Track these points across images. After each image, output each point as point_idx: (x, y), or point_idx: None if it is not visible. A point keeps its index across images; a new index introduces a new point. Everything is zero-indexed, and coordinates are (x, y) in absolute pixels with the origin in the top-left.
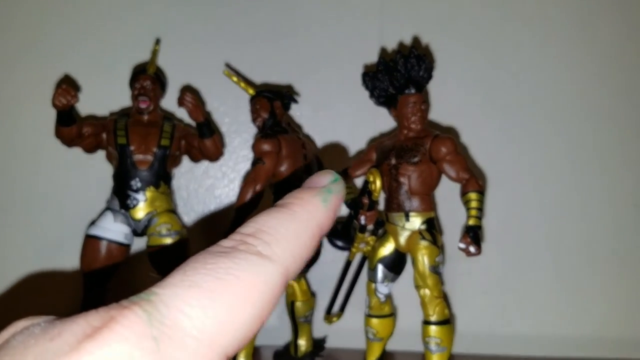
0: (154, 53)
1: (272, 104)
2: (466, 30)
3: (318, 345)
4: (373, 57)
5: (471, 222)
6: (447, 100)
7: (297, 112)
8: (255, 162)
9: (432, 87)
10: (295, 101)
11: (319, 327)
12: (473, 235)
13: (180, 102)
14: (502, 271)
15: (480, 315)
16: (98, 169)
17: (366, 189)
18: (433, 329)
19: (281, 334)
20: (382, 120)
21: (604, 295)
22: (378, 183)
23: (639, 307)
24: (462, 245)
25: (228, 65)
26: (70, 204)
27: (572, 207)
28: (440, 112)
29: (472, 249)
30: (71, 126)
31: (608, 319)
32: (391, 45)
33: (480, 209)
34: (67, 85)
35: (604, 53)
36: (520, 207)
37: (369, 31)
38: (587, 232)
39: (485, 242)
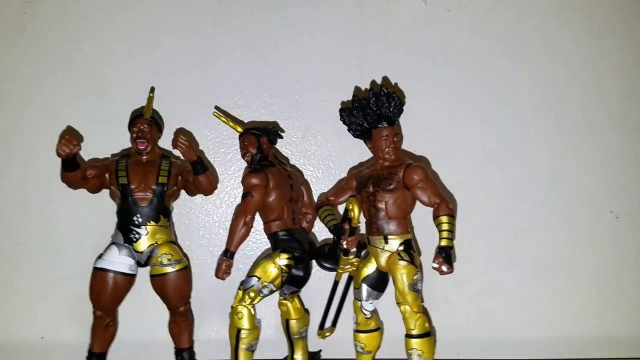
0: (150, 99)
1: (259, 140)
2: (436, 63)
3: (313, 357)
4: (356, 86)
5: (443, 243)
6: (418, 131)
7: (287, 138)
8: (245, 195)
9: (404, 118)
10: (281, 137)
11: (314, 341)
12: (445, 255)
13: (175, 143)
14: (484, 280)
15: (463, 323)
16: (103, 207)
17: (347, 217)
18: (415, 341)
19: (279, 349)
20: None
21: (578, 298)
22: (357, 211)
23: (612, 307)
24: (435, 265)
25: (217, 108)
26: (78, 238)
27: (550, 216)
28: (412, 141)
29: (444, 268)
30: (75, 171)
31: (582, 320)
32: (372, 76)
33: (451, 231)
34: (70, 136)
35: (568, 65)
36: (497, 220)
37: (351, 64)
38: (564, 241)
39: (465, 254)
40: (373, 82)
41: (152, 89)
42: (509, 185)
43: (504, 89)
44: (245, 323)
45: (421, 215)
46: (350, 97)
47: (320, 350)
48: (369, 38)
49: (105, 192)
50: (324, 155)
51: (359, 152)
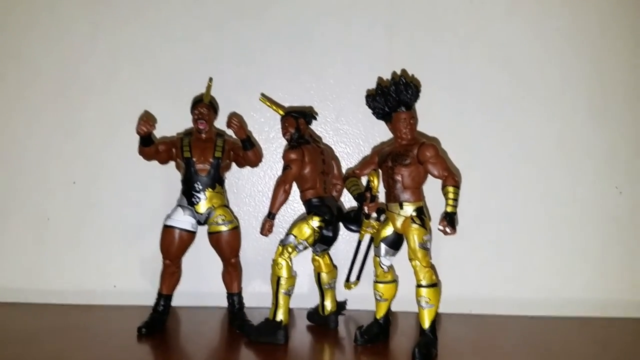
0: (208, 87)
1: (298, 121)
2: (446, 50)
3: (341, 306)
4: (379, 76)
5: (448, 209)
6: (431, 114)
7: (322, 119)
8: (285, 168)
9: (420, 103)
10: (315, 118)
11: (341, 291)
12: (449, 219)
13: (228, 124)
14: (495, 243)
15: (476, 282)
16: (168, 176)
17: (368, 187)
18: (423, 290)
19: (312, 300)
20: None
21: (583, 262)
22: (376, 182)
23: (615, 270)
24: (440, 227)
25: (262, 94)
26: (147, 202)
27: (556, 188)
28: (426, 123)
29: (448, 230)
30: (150, 146)
31: (586, 283)
32: (398, 64)
33: (455, 199)
34: (147, 118)
35: (574, 40)
36: (511, 189)
37: (380, 54)
38: (570, 208)
39: (477, 219)
40: (394, 73)
41: (211, 79)
42: (516, 157)
43: (507, 54)
44: (284, 272)
45: (433, 187)
46: (376, 81)
47: (346, 300)
48: (396, 29)
49: (172, 164)
50: (354, 134)
51: (383, 131)
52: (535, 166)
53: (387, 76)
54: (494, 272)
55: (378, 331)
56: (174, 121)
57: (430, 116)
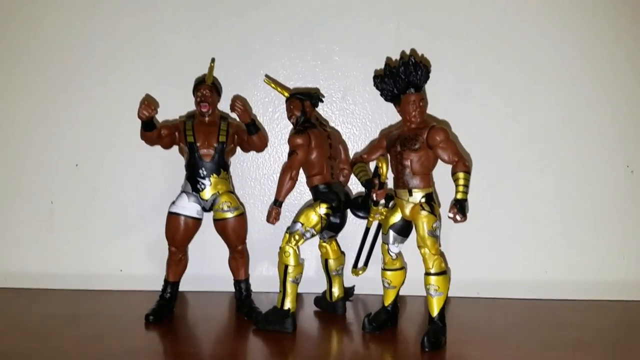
0: (211, 68)
1: (303, 103)
2: (459, 33)
3: (348, 292)
4: (387, 56)
5: (459, 196)
6: (442, 95)
7: (328, 99)
8: (291, 154)
9: (430, 85)
10: (322, 101)
11: (349, 278)
12: (459, 207)
13: (232, 107)
14: (503, 226)
15: (482, 266)
16: (171, 161)
17: (377, 173)
18: (432, 278)
19: (319, 285)
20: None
21: (592, 244)
22: (385, 169)
23: (623, 253)
24: (450, 215)
25: (267, 76)
26: (151, 187)
27: (566, 168)
28: (436, 105)
29: (458, 217)
30: (152, 131)
31: (594, 265)
32: (407, 41)
33: (466, 186)
34: (149, 102)
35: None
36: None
37: (387, 30)
38: (580, 192)
39: (484, 201)
40: (403, 52)
41: (213, 59)
42: (525, 138)
43: (515, 35)
44: (291, 260)
45: (442, 173)
46: (384, 60)
47: (354, 286)
48: (405, 5)
49: (175, 149)
50: (361, 114)
51: (391, 111)
52: (545, 147)
53: (394, 53)
54: (502, 254)
55: (386, 318)
56: (177, 104)
57: (437, 97)
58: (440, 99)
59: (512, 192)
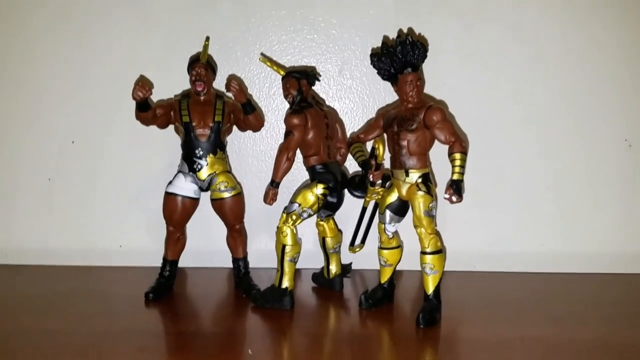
0: (205, 46)
1: (300, 82)
2: (453, 13)
3: (345, 269)
4: (384, 35)
5: (455, 176)
6: (439, 75)
7: (325, 74)
8: (287, 134)
9: (427, 64)
10: (318, 79)
11: (346, 255)
12: (455, 187)
13: (227, 87)
14: (500, 200)
15: (479, 239)
16: (167, 140)
17: (373, 154)
18: (428, 257)
19: (317, 261)
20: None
21: (588, 218)
22: (381, 150)
23: (620, 225)
24: (446, 196)
25: (262, 54)
26: (148, 166)
27: (563, 142)
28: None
29: (454, 198)
30: (147, 111)
31: (591, 238)
32: (406, 13)
33: (462, 167)
34: (143, 82)
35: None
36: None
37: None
38: (577, 166)
39: (478, 173)
40: (400, 30)
41: (207, 38)
42: (523, 111)
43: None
44: (289, 240)
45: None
46: (383, 33)
47: (351, 263)
48: None
49: (170, 128)
50: (359, 89)
51: (389, 87)
52: (540, 121)
53: (393, 26)
54: (498, 228)
55: (382, 295)
56: (173, 80)
57: (435, 74)
58: (440, 75)
59: (509, 166)
